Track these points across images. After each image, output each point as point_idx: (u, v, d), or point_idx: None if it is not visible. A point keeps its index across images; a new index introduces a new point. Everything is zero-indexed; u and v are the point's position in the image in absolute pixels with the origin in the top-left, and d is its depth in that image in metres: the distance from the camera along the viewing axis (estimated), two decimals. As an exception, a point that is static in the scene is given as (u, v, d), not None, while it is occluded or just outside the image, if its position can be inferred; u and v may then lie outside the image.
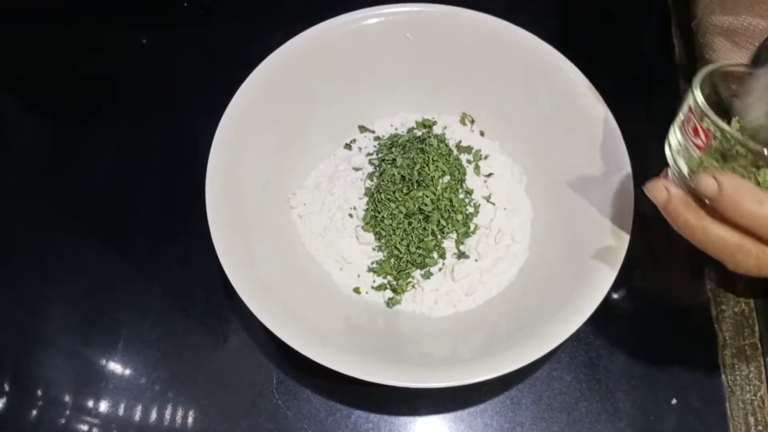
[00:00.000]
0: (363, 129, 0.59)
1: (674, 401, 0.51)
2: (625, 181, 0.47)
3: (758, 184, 0.36)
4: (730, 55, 0.54)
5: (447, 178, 0.53)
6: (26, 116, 0.65)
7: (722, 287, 0.55)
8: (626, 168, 0.47)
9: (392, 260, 0.53)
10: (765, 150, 0.35)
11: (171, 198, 0.60)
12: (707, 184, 0.35)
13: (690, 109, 0.39)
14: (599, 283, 0.45)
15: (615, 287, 0.44)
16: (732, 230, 0.36)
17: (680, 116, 0.40)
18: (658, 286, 0.55)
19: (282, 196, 0.55)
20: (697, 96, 0.39)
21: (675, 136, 0.41)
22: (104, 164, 0.62)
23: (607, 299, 0.44)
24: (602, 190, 0.48)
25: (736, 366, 0.52)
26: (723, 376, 0.52)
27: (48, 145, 0.63)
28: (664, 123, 0.62)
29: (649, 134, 0.60)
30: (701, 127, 0.38)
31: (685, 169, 0.40)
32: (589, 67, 0.51)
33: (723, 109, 0.41)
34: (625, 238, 0.46)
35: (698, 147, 0.38)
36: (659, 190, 0.38)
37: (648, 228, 0.55)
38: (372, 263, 0.53)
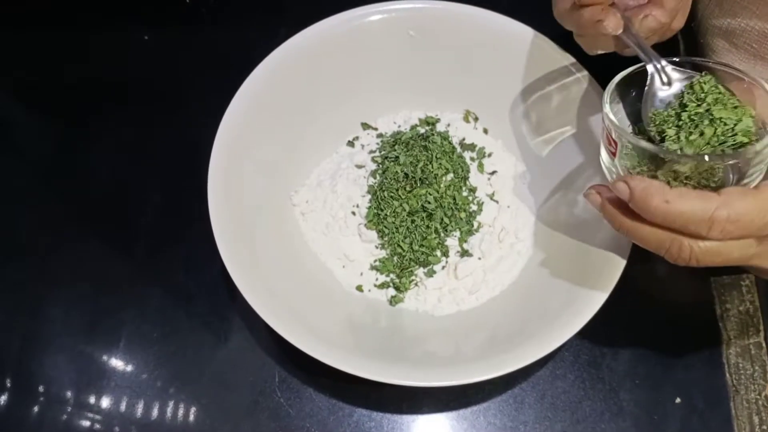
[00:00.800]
0: (366, 126, 0.59)
1: (678, 400, 0.51)
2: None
3: (670, 181, 0.38)
4: (728, 56, 0.54)
5: (450, 175, 0.53)
6: (29, 118, 0.65)
7: (727, 286, 0.55)
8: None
9: (395, 258, 0.52)
10: (653, 147, 0.38)
11: (174, 198, 0.60)
12: (620, 188, 0.38)
13: (603, 121, 0.42)
14: (603, 281, 0.44)
15: (619, 286, 0.44)
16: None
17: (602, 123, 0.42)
18: (663, 285, 0.55)
19: (284, 194, 0.55)
20: (604, 106, 0.41)
21: (601, 149, 0.43)
22: (107, 165, 0.62)
23: (611, 298, 0.44)
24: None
25: (741, 365, 0.52)
26: (727, 375, 0.52)
27: (50, 147, 0.63)
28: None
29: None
30: (610, 136, 0.41)
31: (607, 173, 0.42)
32: (591, 64, 0.51)
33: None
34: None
35: (612, 154, 0.41)
36: (593, 196, 0.41)
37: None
38: (375, 261, 0.53)
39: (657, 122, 0.41)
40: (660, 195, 0.36)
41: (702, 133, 0.38)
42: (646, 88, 0.43)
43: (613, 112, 0.42)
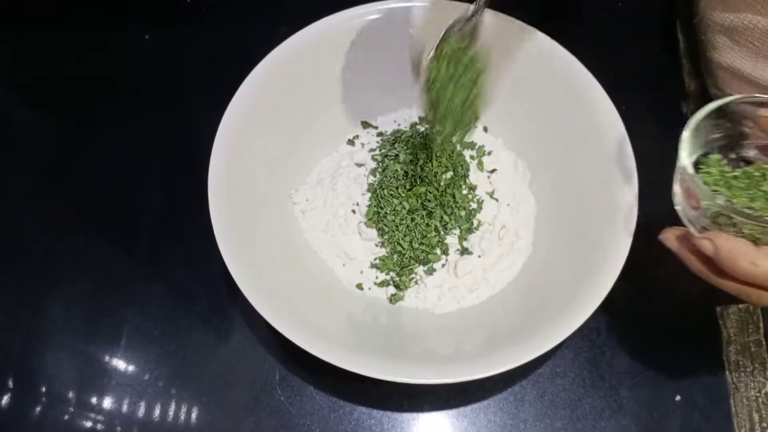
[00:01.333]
0: (366, 125, 0.59)
1: (678, 398, 0.51)
2: (630, 177, 0.47)
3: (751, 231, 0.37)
4: (730, 54, 0.54)
5: (450, 173, 0.53)
6: (31, 117, 0.65)
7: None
8: (630, 164, 0.47)
9: (395, 256, 0.52)
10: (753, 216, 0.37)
11: (175, 196, 0.60)
12: (704, 245, 0.38)
13: (679, 172, 0.40)
14: (603, 279, 0.44)
15: (619, 283, 0.44)
16: None
17: (677, 170, 0.41)
18: (663, 283, 0.55)
19: (285, 193, 0.55)
20: (682, 160, 0.40)
21: (675, 187, 0.42)
22: (108, 164, 0.62)
23: (611, 295, 0.44)
24: (606, 187, 0.48)
25: (741, 363, 0.52)
26: (727, 372, 0.52)
27: (53, 146, 0.63)
28: (668, 118, 0.62)
29: (653, 130, 0.60)
30: (692, 191, 0.39)
31: (686, 221, 0.41)
32: (592, 61, 0.51)
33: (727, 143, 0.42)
34: (629, 235, 0.45)
35: (693, 207, 0.40)
36: (670, 241, 0.41)
37: (652, 224, 0.55)
38: (375, 259, 0.53)
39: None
40: (746, 257, 0.37)
41: None
42: None
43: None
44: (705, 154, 0.42)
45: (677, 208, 0.42)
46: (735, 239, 0.37)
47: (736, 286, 0.39)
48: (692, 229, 0.40)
